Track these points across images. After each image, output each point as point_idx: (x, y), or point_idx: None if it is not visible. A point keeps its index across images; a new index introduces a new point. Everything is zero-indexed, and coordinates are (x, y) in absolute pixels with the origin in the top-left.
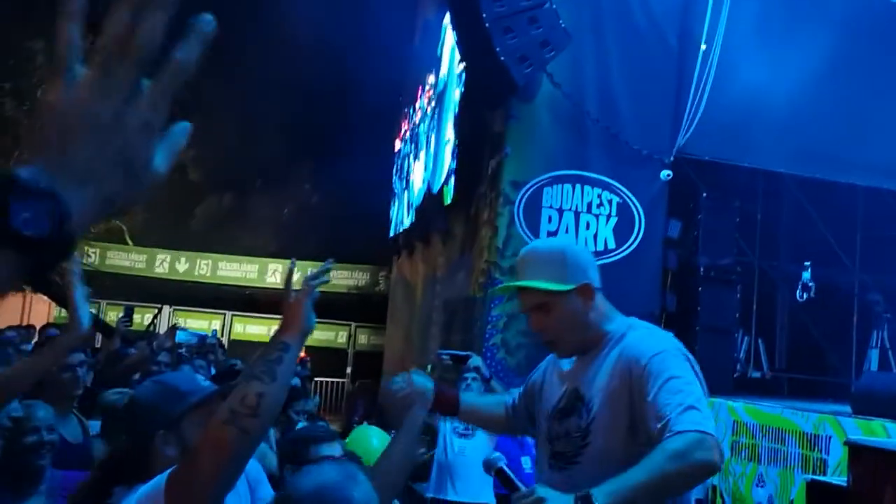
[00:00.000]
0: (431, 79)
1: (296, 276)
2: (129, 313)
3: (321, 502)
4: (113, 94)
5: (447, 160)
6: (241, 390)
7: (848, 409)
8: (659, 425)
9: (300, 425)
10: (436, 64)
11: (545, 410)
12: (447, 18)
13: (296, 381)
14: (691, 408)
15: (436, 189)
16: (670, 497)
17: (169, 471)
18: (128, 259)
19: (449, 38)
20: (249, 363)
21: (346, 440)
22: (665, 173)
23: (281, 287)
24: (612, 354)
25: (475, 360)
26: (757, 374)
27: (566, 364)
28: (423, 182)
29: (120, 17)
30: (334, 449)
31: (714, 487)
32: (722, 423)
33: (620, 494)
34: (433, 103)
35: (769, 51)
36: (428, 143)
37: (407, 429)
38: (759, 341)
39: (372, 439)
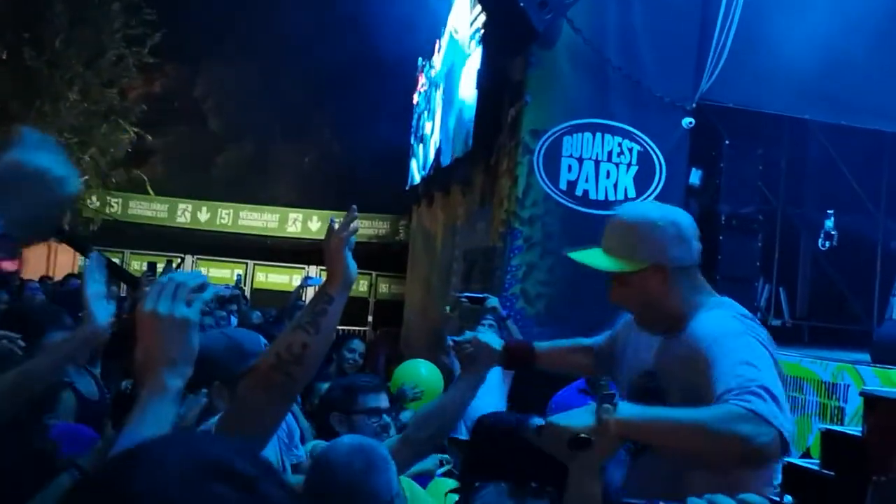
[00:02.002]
0: (450, 32)
1: (317, 226)
2: (152, 268)
3: (350, 496)
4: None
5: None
6: (287, 338)
7: (868, 357)
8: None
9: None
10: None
11: (629, 369)
12: None
13: None
14: (753, 392)
15: (447, 150)
16: (688, 446)
17: (219, 416)
18: (150, 209)
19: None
20: (299, 313)
21: (395, 371)
22: (687, 121)
23: (302, 236)
24: (685, 340)
25: (492, 301)
26: (777, 323)
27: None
28: (438, 141)
29: None
30: (381, 400)
31: None
32: None
33: (642, 418)
34: (445, 64)
35: None
36: (440, 103)
37: (466, 384)
38: (781, 289)
39: (420, 368)
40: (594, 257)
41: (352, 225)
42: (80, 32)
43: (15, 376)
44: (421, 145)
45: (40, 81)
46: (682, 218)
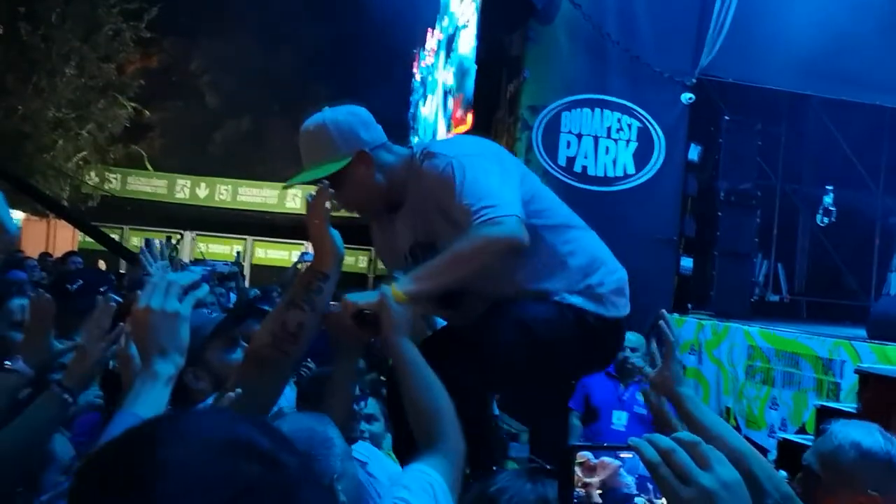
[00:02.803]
0: (445, 21)
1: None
2: (149, 244)
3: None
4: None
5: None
6: (281, 316)
7: (864, 333)
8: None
9: None
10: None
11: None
12: None
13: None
14: (487, 202)
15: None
16: (462, 273)
17: (212, 397)
18: (148, 185)
19: None
20: (288, 289)
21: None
22: (686, 96)
23: (302, 212)
24: (423, 186)
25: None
26: (775, 298)
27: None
28: (432, 125)
29: None
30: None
31: (728, 409)
32: (738, 347)
33: (413, 277)
34: (442, 49)
35: None
36: (434, 87)
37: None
38: (779, 265)
39: None
40: (306, 175)
41: (328, 202)
42: (75, 6)
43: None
44: (414, 132)
45: (37, 56)
46: (358, 108)
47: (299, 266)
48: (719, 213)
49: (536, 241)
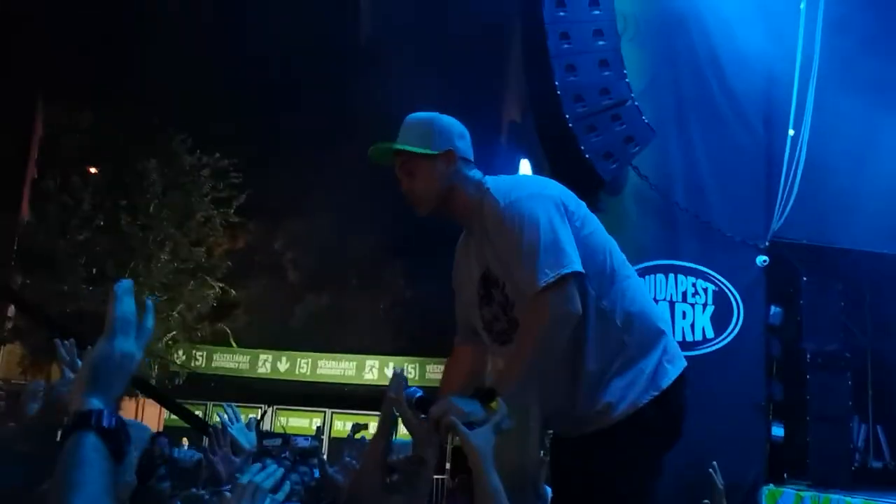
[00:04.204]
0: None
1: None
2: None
3: None
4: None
5: None
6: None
7: None
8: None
9: None
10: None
11: (472, 304)
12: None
13: None
14: (535, 261)
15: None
16: (552, 357)
17: None
18: (232, 360)
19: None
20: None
21: None
22: (761, 259)
23: (379, 383)
24: (486, 218)
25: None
26: (878, 464)
27: (464, 244)
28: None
29: None
30: None
31: None
32: None
33: (512, 383)
34: None
35: (862, 126)
36: None
37: None
38: (879, 428)
39: None
40: (395, 144)
41: (402, 389)
42: (171, 196)
43: None
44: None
45: (135, 243)
46: (460, 124)
47: (356, 436)
48: (808, 376)
49: (593, 314)
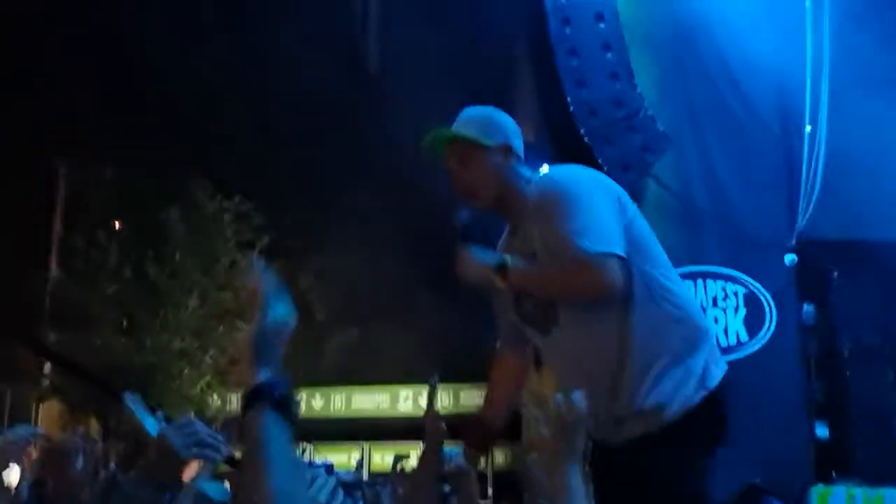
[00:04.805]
0: None
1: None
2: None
3: None
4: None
5: None
6: None
7: None
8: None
9: None
10: None
11: (509, 304)
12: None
13: None
14: (582, 234)
15: None
16: (554, 296)
17: None
18: None
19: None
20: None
21: None
22: (790, 258)
23: (413, 413)
24: (530, 212)
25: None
26: None
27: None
28: None
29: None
30: None
31: None
32: None
33: (523, 271)
34: None
35: (881, 115)
36: None
37: None
38: None
39: None
40: (451, 131)
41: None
42: (196, 244)
43: None
44: None
45: (163, 291)
46: (515, 123)
47: (398, 466)
48: (847, 373)
49: (642, 296)
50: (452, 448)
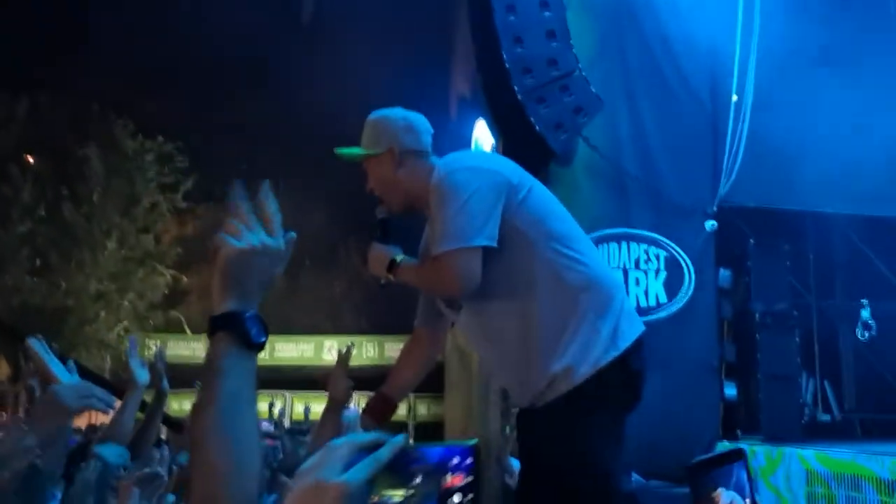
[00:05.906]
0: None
1: (353, 352)
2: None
3: None
4: (270, 252)
5: None
6: None
7: None
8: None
9: None
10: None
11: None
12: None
13: None
14: (442, 231)
15: None
16: (425, 290)
17: None
18: (188, 348)
19: (478, 129)
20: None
21: None
22: (710, 224)
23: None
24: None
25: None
26: (827, 418)
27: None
28: None
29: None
30: None
31: None
32: (795, 473)
33: (406, 267)
34: None
35: (805, 92)
36: None
37: None
38: (826, 383)
39: None
40: (349, 151)
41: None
42: (115, 184)
43: None
44: None
45: (79, 233)
46: (414, 115)
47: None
48: (758, 336)
49: (542, 270)
50: (352, 411)
